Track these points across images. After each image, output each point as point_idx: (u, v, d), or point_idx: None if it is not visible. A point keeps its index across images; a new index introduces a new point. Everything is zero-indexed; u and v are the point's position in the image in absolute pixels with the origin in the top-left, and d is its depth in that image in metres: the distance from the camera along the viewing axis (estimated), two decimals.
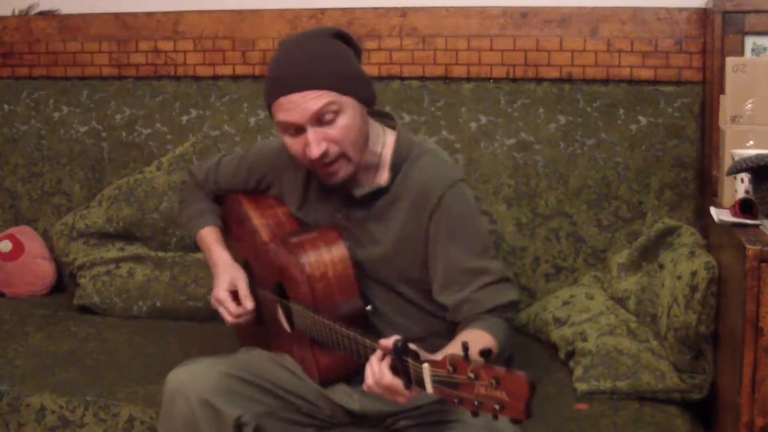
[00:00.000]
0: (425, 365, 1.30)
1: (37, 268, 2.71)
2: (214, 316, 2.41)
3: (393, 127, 1.76)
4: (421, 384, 1.33)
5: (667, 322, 1.92)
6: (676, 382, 1.92)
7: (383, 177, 1.71)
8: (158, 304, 2.49)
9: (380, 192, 1.71)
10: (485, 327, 1.61)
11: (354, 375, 1.74)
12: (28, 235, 2.75)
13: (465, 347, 1.25)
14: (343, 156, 1.64)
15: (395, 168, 1.71)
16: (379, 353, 1.42)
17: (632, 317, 2.11)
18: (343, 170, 1.65)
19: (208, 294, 2.44)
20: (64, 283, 2.72)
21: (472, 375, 1.21)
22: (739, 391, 1.64)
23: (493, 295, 1.66)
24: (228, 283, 1.82)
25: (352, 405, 1.75)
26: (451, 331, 1.68)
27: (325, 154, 1.62)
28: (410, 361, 1.35)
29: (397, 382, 1.38)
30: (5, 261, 2.68)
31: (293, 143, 1.64)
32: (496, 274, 1.68)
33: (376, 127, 1.73)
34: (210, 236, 1.93)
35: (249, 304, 1.81)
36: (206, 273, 2.45)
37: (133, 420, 1.91)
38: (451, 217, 1.67)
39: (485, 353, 1.21)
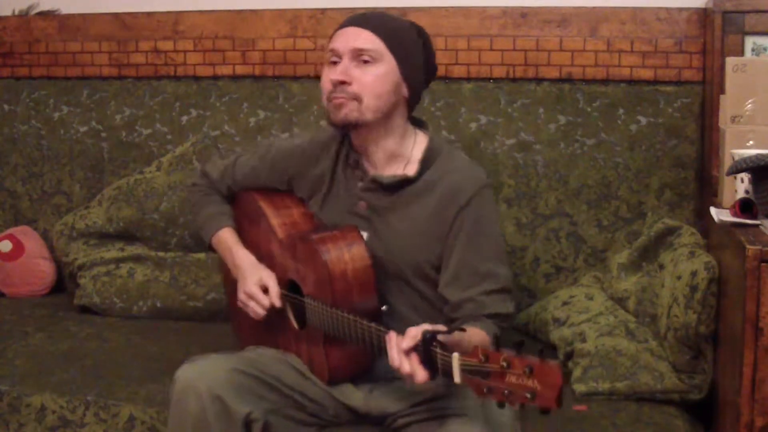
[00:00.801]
0: (455, 355, 1.31)
1: (37, 268, 2.71)
2: (214, 316, 2.44)
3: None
4: (448, 374, 1.34)
5: (667, 322, 1.92)
6: (675, 382, 1.92)
7: (412, 169, 1.75)
8: (158, 304, 2.49)
9: (406, 182, 1.74)
10: (483, 327, 1.64)
11: (360, 375, 1.75)
12: (28, 235, 2.75)
13: (497, 338, 1.26)
14: (358, 99, 1.68)
15: (425, 163, 1.74)
16: (406, 346, 1.42)
17: (631, 318, 2.11)
18: (348, 108, 1.69)
19: (208, 294, 2.46)
20: (64, 283, 2.72)
21: (504, 364, 1.23)
22: (739, 391, 1.64)
23: (496, 303, 1.69)
24: (258, 279, 1.82)
25: (356, 404, 1.76)
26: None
27: (342, 85, 1.68)
28: (439, 351, 1.36)
29: (426, 374, 1.40)
30: (5, 261, 2.68)
31: (326, 73, 1.72)
32: (503, 282, 1.71)
33: (409, 128, 1.79)
34: (230, 237, 1.94)
35: (277, 301, 1.80)
36: (206, 273, 2.46)
37: (133, 420, 1.91)
38: (476, 219, 1.70)
39: (518, 344, 1.23)
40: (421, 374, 1.40)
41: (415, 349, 1.41)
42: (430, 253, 1.72)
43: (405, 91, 1.74)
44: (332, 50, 1.72)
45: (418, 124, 1.82)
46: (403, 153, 1.76)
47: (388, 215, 1.75)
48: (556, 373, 1.18)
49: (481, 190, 1.72)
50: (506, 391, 1.23)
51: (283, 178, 1.90)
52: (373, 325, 1.55)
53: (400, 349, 1.43)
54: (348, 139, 1.80)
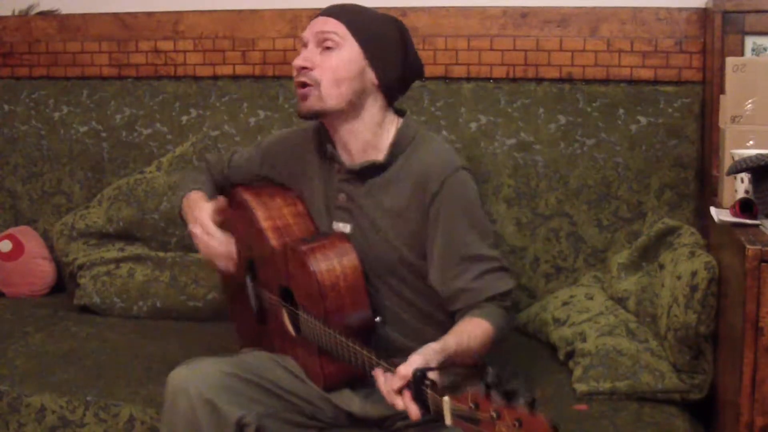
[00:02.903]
0: (446, 399, 1.30)
1: (37, 268, 2.71)
2: (214, 316, 2.44)
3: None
4: (439, 413, 1.32)
5: (667, 322, 1.93)
6: (676, 382, 1.92)
7: (381, 155, 1.74)
8: (158, 304, 2.49)
9: (377, 169, 1.73)
10: (484, 315, 1.63)
11: (356, 380, 1.75)
12: (28, 235, 2.75)
13: (487, 384, 1.24)
14: (317, 86, 1.69)
15: (395, 149, 1.73)
16: (396, 387, 1.40)
17: (631, 317, 2.11)
18: (311, 101, 1.70)
19: (208, 294, 2.46)
20: (64, 283, 2.72)
21: (494, 414, 1.21)
22: (739, 391, 1.64)
23: (491, 284, 1.67)
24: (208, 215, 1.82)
25: (354, 408, 1.76)
26: (449, 320, 1.69)
27: (303, 70, 1.69)
28: (429, 392, 1.35)
29: (419, 411, 1.38)
30: (5, 261, 2.68)
31: (295, 59, 1.74)
32: (494, 262, 1.69)
33: (389, 118, 1.78)
34: (196, 196, 1.90)
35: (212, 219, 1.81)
36: (206, 273, 2.46)
37: (133, 420, 1.91)
38: (452, 203, 1.68)
39: (510, 393, 1.21)
40: (414, 411, 1.38)
41: (407, 386, 1.39)
42: (413, 239, 1.71)
43: (373, 78, 1.72)
44: (301, 40, 1.74)
45: (397, 113, 1.81)
46: (380, 142, 1.75)
47: (365, 204, 1.75)
48: (545, 427, 1.16)
49: (453, 174, 1.69)
50: None
51: (274, 167, 1.91)
52: (364, 351, 1.53)
53: (390, 389, 1.40)
54: (325, 132, 1.80)
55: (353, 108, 1.72)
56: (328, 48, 1.70)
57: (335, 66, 1.69)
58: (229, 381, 1.66)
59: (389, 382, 1.41)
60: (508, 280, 1.70)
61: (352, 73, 1.70)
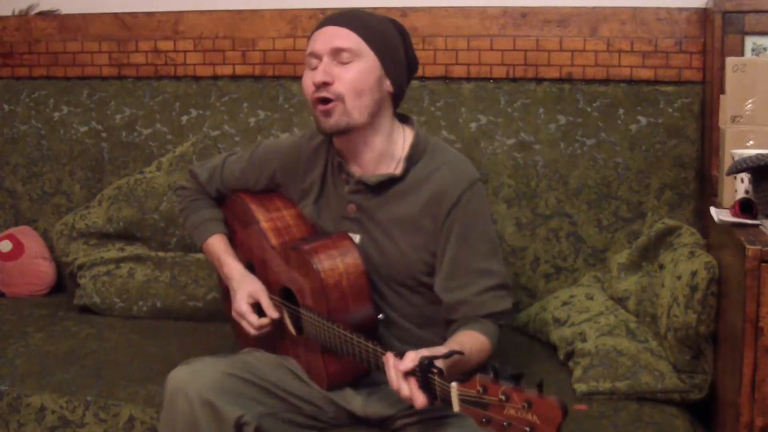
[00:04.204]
0: (453, 384, 1.31)
1: (37, 268, 2.71)
2: (214, 316, 2.44)
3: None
4: (447, 401, 1.33)
5: (667, 322, 1.93)
6: (676, 382, 1.92)
7: (398, 168, 1.73)
8: (158, 304, 2.49)
9: (393, 181, 1.73)
10: (482, 331, 1.64)
11: (359, 380, 1.75)
12: (28, 235, 2.75)
13: (495, 370, 1.25)
14: (341, 100, 1.66)
15: (411, 161, 1.73)
16: (404, 368, 1.41)
17: (631, 317, 2.11)
18: (337, 115, 1.67)
19: (208, 294, 2.46)
20: (64, 283, 2.72)
21: (503, 397, 1.22)
22: (739, 391, 1.64)
23: (492, 302, 1.68)
24: (248, 296, 1.81)
25: (355, 407, 1.76)
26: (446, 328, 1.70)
27: (325, 85, 1.66)
28: (437, 379, 1.36)
29: (426, 399, 1.39)
30: (5, 261, 2.68)
31: (307, 77, 1.70)
32: (498, 278, 1.70)
33: (397, 125, 1.77)
34: (219, 246, 1.93)
35: (273, 313, 1.79)
36: (206, 273, 2.46)
37: (133, 420, 1.91)
38: (467, 216, 1.69)
39: (516, 377, 1.22)
40: (420, 399, 1.39)
41: (413, 373, 1.40)
42: (423, 250, 1.72)
43: (388, 86, 1.72)
44: (312, 53, 1.69)
45: (402, 120, 1.80)
46: (393, 152, 1.75)
47: (378, 215, 1.74)
48: (555, 409, 1.17)
49: (471, 187, 1.70)
50: (505, 423, 1.23)
51: (273, 177, 1.90)
52: (369, 344, 1.54)
53: (398, 372, 1.41)
54: (331, 143, 1.79)
55: (372, 119, 1.71)
56: (345, 60, 1.66)
57: (356, 78, 1.66)
58: (228, 381, 1.66)
59: (398, 363, 1.42)
60: (508, 301, 1.71)
61: (371, 83, 1.68)
